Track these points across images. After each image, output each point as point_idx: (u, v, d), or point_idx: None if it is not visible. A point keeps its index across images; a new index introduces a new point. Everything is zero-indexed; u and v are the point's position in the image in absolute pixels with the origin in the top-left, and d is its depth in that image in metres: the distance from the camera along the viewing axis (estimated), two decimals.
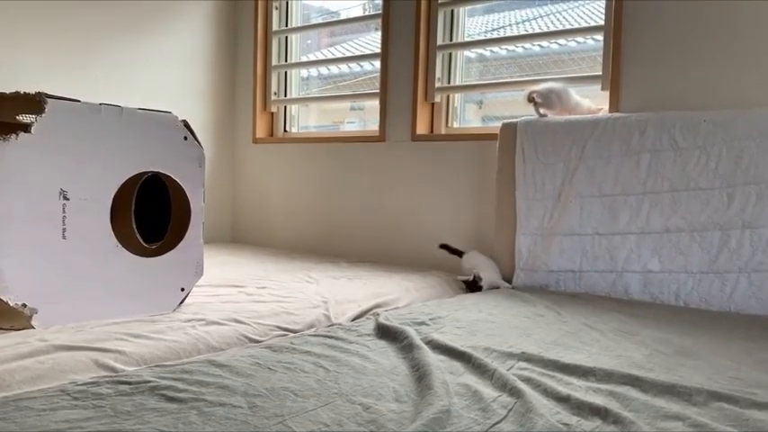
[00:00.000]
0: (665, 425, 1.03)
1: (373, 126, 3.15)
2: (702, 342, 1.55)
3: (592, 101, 2.40)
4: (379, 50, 3.02)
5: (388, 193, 2.98)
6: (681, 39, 2.20)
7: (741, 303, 1.94)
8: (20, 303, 1.55)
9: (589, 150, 2.23)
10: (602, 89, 2.38)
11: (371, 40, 3.36)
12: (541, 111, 2.39)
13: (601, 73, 2.40)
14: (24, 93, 1.62)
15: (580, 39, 2.62)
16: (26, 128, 1.56)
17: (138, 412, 1.03)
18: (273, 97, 3.52)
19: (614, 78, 2.33)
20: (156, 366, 1.28)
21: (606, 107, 2.37)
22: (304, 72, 3.60)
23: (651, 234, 2.10)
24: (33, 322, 1.56)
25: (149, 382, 1.15)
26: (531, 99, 2.38)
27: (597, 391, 1.18)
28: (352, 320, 1.85)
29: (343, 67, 3.47)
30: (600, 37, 2.43)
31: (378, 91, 3.01)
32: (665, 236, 2.08)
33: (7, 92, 1.63)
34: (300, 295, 2.06)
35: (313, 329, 1.74)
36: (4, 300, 1.53)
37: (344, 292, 2.13)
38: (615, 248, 2.15)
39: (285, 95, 3.55)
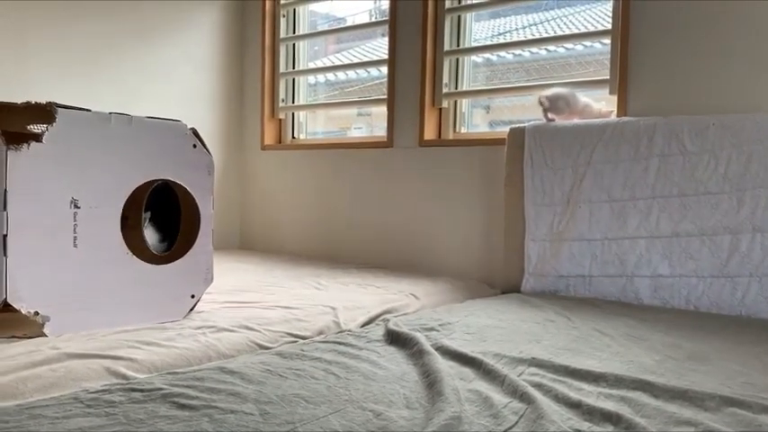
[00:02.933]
0: (678, 430, 1.03)
1: (381, 132, 3.15)
2: (714, 347, 1.54)
3: (604, 103, 2.40)
4: (385, 56, 3.03)
5: (397, 199, 2.98)
6: (688, 42, 2.20)
7: (752, 307, 1.93)
8: (32, 311, 1.56)
9: (597, 155, 2.23)
10: (610, 93, 2.38)
11: (378, 46, 3.37)
12: (549, 116, 2.39)
13: (608, 77, 2.39)
14: (35, 103, 1.63)
15: (587, 42, 2.62)
16: (37, 138, 1.57)
17: (151, 419, 1.04)
18: (281, 104, 3.54)
19: (622, 82, 2.32)
20: (167, 374, 1.29)
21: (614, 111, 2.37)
22: (311, 78, 3.61)
23: (661, 238, 2.09)
24: (45, 330, 1.57)
25: (161, 389, 1.16)
26: (542, 103, 2.39)
27: (608, 396, 1.18)
28: (362, 327, 1.86)
29: (350, 73, 3.48)
30: (607, 41, 2.43)
31: (385, 97, 3.02)
32: (675, 240, 2.07)
33: (18, 102, 1.65)
34: (310, 302, 2.06)
35: (323, 336, 1.75)
36: (17, 308, 1.54)
37: (354, 299, 2.13)
38: (625, 253, 2.15)
39: (293, 102, 3.57)
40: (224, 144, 3.57)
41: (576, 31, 2.64)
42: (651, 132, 2.14)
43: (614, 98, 2.36)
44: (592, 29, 2.57)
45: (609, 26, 2.41)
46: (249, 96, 3.62)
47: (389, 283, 2.42)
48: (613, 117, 2.33)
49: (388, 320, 1.74)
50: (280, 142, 3.58)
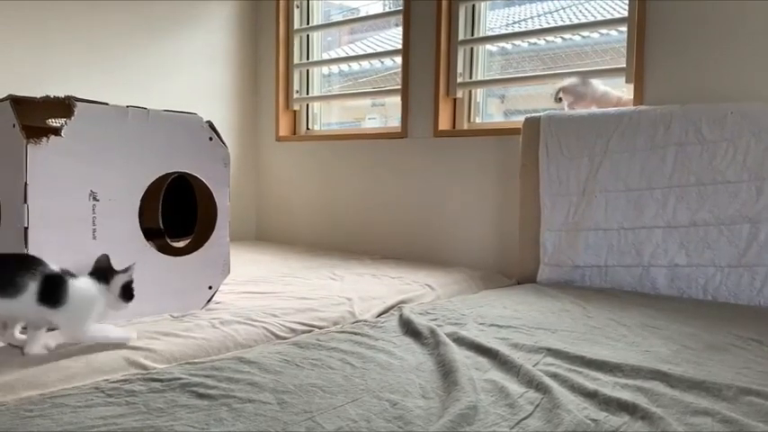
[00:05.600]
0: (695, 420, 1.02)
1: (395, 122, 3.15)
2: (731, 337, 1.53)
3: (624, 91, 2.37)
4: (399, 46, 3.02)
5: (411, 190, 2.99)
6: (706, 29, 2.17)
7: None
8: None
9: (614, 144, 2.21)
10: (627, 82, 2.36)
11: (391, 36, 3.36)
12: (569, 105, 2.38)
13: (625, 65, 2.37)
14: (54, 97, 1.65)
15: (603, 30, 2.60)
16: (56, 131, 1.59)
17: (170, 409, 1.05)
18: (296, 95, 3.55)
19: (638, 71, 2.30)
20: (186, 364, 1.30)
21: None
22: (325, 69, 3.61)
23: (678, 228, 2.08)
24: None
25: (180, 379, 1.18)
26: (558, 99, 2.39)
27: (625, 386, 1.18)
28: (377, 317, 1.86)
29: (364, 64, 3.47)
30: (623, 28, 2.41)
31: (399, 87, 3.02)
32: (693, 230, 2.05)
33: (37, 96, 1.67)
34: (325, 292, 2.08)
35: (338, 326, 1.76)
36: None
37: (369, 289, 2.14)
38: (641, 243, 2.13)
39: (307, 93, 3.57)
40: (239, 136, 3.59)
41: (592, 19, 2.61)
42: (668, 121, 2.12)
43: (631, 87, 2.34)
44: (608, 16, 2.54)
45: (625, 14, 2.39)
46: (264, 88, 3.63)
47: (404, 274, 2.43)
48: (630, 105, 2.31)
49: (402, 309, 1.75)
50: (294, 134, 3.59)
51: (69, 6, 2.89)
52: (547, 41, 2.79)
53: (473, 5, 2.85)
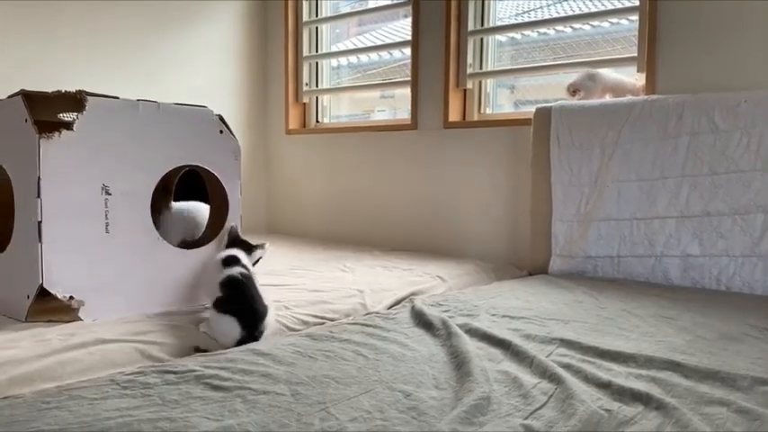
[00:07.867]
0: (710, 410, 1.02)
1: (404, 114, 3.14)
2: (745, 327, 1.52)
3: (638, 78, 2.35)
4: (408, 38, 3.01)
5: (422, 182, 2.98)
6: (719, 17, 2.14)
7: None
8: (67, 296, 1.59)
9: (625, 134, 2.20)
10: (638, 71, 2.34)
11: (400, 27, 3.35)
12: (581, 98, 2.37)
13: (636, 54, 2.35)
14: (66, 91, 1.66)
15: (614, 20, 2.58)
16: (68, 126, 1.60)
17: (185, 400, 1.06)
18: (305, 88, 3.54)
19: (650, 60, 2.28)
20: (199, 356, 1.31)
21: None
22: (334, 61, 3.61)
23: (691, 218, 2.06)
24: (81, 314, 1.61)
25: (194, 371, 1.18)
26: (574, 92, 2.37)
27: (638, 376, 1.17)
28: (389, 309, 1.86)
29: (373, 56, 3.46)
30: (634, 17, 2.39)
31: (409, 79, 3.01)
32: (706, 219, 2.04)
33: (49, 91, 1.68)
34: (337, 284, 2.08)
35: (350, 318, 1.76)
36: (53, 293, 1.58)
37: (380, 281, 2.14)
38: (654, 233, 2.12)
39: (317, 86, 3.57)
40: (249, 129, 3.59)
41: (603, 9, 2.59)
42: (680, 110, 2.10)
43: (642, 76, 2.32)
44: (618, 5, 2.52)
45: (637, 2, 2.37)
46: (273, 81, 3.63)
47: (415, 266, 2.42)
48: (642, 95, 2.29)
49: (414, 302, 1.75)
50: (304, 126, 3.59)
51: (79, 3, 2.90)
52: (557, 31, 2.77)
53: None
